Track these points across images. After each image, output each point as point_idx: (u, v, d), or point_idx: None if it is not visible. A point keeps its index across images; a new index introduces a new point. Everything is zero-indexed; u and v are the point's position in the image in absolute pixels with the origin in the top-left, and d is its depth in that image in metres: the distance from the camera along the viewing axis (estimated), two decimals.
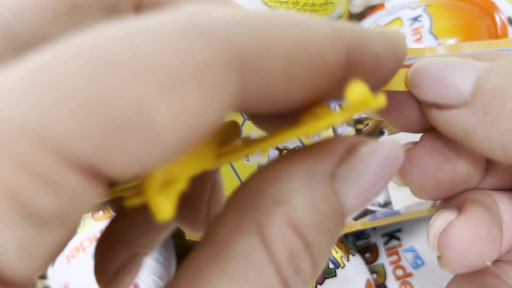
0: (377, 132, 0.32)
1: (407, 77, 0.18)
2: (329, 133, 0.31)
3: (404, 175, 0.19)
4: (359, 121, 0.31)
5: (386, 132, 0.32)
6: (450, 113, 0.17)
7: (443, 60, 0.17)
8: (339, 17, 0.38)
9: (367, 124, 0.31)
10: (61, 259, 0.36)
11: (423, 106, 0.18)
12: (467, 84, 0.17)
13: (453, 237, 0.18)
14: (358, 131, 0.31)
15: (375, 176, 0.14)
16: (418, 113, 0.18)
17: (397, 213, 0.33)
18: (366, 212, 0.32)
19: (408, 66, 0.18)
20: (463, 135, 0.17)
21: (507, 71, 0.16)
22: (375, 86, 0.15)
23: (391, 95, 0.18)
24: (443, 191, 0.19)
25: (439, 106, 0.17)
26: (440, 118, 0.17)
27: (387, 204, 0.33)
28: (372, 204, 0.32)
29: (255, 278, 0.12)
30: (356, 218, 0.32)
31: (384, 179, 0.14)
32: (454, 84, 0.17)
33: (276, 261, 0.12)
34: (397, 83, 0.18)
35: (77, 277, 0.34)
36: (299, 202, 0.13)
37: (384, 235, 0.37)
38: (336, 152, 0.14)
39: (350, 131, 0.31)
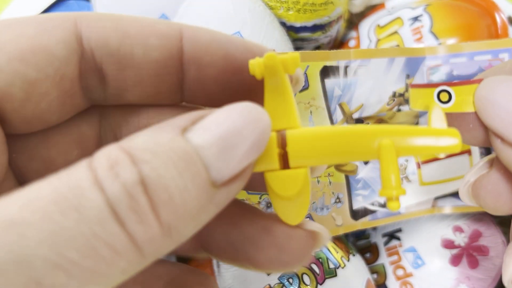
0: None
1: (475, 99, 0.18)
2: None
3: (478, 199, 0.20)
4: (359, 121, 0.31)
5: None
6: None
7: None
8: (340, 17, 0.38)
9: (368, 124, 0.31)
10: None
11: (489, 131, 0.18)
12: None
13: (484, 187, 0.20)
14: None
15: (223, 121, 0.15)
16: (486, 133, 0.19)
17: (397, 213, 0.33)
18: (366, 212, 0.32)
19: (478, 81, 0.18)
20: None
21: None
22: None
23: (459, 116, 0.19)
24: None
25: (503, 140, 0.17)
26: (504, 152, 0.17)
27: None
28: (372, 204, 0.32)
29: (65, 175, 0.13)
30: (356, 218, 0.32)
31: (235, 125, 0.15)
32: None
33: (92, 166, 0.13)
34: (466, 103, 0.18)
35: None
36: (138, 138, 0.14)
37: (384, 235, 0.37)
38: (190, 115, 0.16)
39: None
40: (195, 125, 0.15)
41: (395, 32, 0.37)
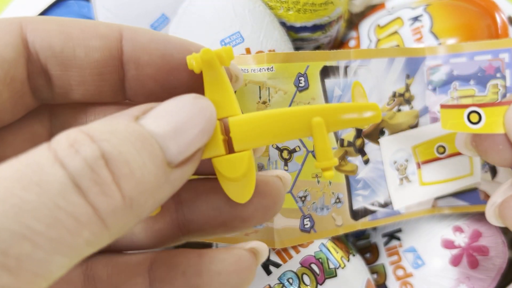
0: (378, 132, 0.32)
1: (505, 120, 0.18)
2: None
3: (506, 220, 0.20)
4: None
5: (386, 132, 0.32)
6: None
7: None
8: (340, 17, 0.38)
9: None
10: None
11: None
12: None
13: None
14: (359, 131, 0.31)
15: (174, 109, 0.17)
16: None
17: (397, 213, 0.33)
18: (366, 212, 0.32)
19: (508, 103, 0.18)
20: None
21: None
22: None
23: (489, 137, 0.19)
24: None
25: None
26: None
27: (387, 204, 0.33)
28: (372, 204, 0.32)
29: (24, 156, 0.14)
30: (356, 219, 0.32)
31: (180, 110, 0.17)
32: None
33: (52, 146, 0.14)
34: (496, 125, 0.18)
35: None
36: (95, 124, 0.15)
37: (384, 235, 0.37)
38: (140, 106, 0.17)
39: (350, 131, 0.31)
40: (147, 114, 0.17)
41: (395, 32, 0.37)
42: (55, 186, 0.13)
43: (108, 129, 0.15)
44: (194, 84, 0.20)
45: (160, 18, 0.38)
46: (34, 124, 0.21)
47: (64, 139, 0.14)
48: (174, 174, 0.16)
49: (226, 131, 0.19)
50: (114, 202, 0.14)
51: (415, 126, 0.32)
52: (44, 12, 0.41)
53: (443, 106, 0.19)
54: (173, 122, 0.16)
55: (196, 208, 0.22)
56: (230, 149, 0.20)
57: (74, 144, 0.14)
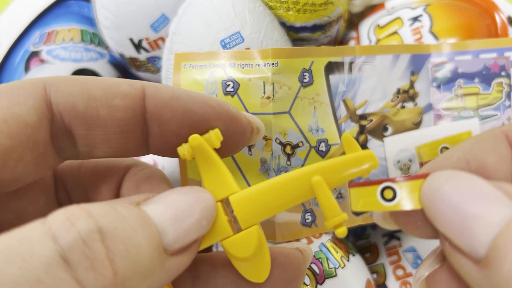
0: (381, 128, 0.32)
1: (421, 196, 0.17)
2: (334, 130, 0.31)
3: None
4: (363, 117, 0.31)
5: (389, 129, 0.32)
6: (462, 260, 0.16)
7: (465, 187, 0.15)
8: (339, 17, 0.38)
9: (371, 120, 0.31)
10: None
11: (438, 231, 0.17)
12: (486, 237, 0.14)
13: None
14: (362, 127, 0.31)
15: (175, 198, 0.17)
16: (436, 230, 0.17)
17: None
18: None
19: (423, 176, 0.17)
20: (471, 287, 0.16)
21: None
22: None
23: (406, 212, 0.18)
24: None
25: (451, 244, 0.16)
26: (452, 256, 0.16)
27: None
28: None
29: (17, 230, 0.13)
30: (357, 214, 0.32)
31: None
32: (472, 229, 0.15)
33: (47, 221, 0.14)
34: (412, 200, 0.17)
35: None
36: (95, 204, 0.15)
37: (384, 235, 0.37)
38: (141, 195, 0.18)
39: (354, 127, 0.31)
40: (148, 200, 0.17)
41: (395, 32, 0.37)
42: (41, 260, 0.13)
43: (107, 208, 0.15)
44: None
45: (160, 18, 0.38)
46: (46, 175, 0.21)
47: (61, 213, 0.14)
48: (169, 262, 0.16)
49: (229, 210, 0.20)
50: (104, 280, 0.13)
51: (418, 123, 0.32)
52: (44, 12, 0.41)
53: (351, 186, 0.18)
54: (172, 209, 0.17)
55: (213, 283, 0.21)
56: (237, 228, 0.19)
57: (70, 217, 0.14)
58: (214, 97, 0.21)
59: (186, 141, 0.20)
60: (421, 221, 0.18)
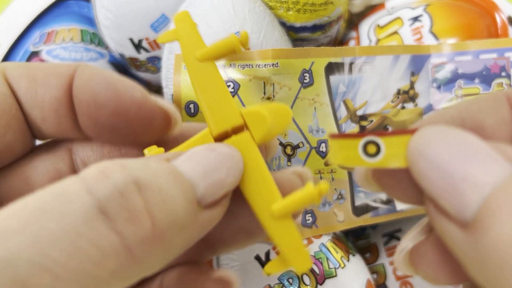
0: (381, 129, 0.32)
1: (408, 153, 0.15)
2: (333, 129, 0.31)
3: (417, 269, 0.17)
4: (363, 117, 0.31)
5: (390, 129, 0.32)
6: (447, 225, 0.14)
7: (457, 144, 0.14)
8: (339, 17, 0.38)
9: (371, 121, 0.31)
10: None
11: (424, 193, 0.16)
12: (476, 199, 0.13)
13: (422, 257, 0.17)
14: (362, 128, 0.31)
15: (204, 154, 0.17)
16: (423, 193, 0.16)
17: (399, 210, 0.33)
18: (368, 209, 0.32)
19: (412, 132, 0.15)
20: (456, 255, 0.15)
21: None
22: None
23: (390, 172, 0.16)
24: (458, 279, 0.17)
25: (436, 206, 0.15)
26: (437, 221, 0.15)
27: (389, 201, 0.33)
28: (375, 201, 0.32)
29: (51, 186, 0.13)
30: (358, 215, 0.32)
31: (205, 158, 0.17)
32: (460, 189, 0.14)
33: (81, 175, 0.14)
34: (397, 158, 0.15)
35: None
36: (127, 160, 0.15)
37: (384, 235, 0.37)
38: (170, 152, 0.18)
39: (354, 127, 0.31)
40: (178, 157, 0.17)
41: (395, 32, 0.37)
42: (79, 213, 0.13)
43: (141, 162, 0.15)
44: (150, 128, 0.21)
45: (160, 18, 0.38)
46: (58, 163, 0.21)
47: (94, 168, 0.14)
48: (203, 215, 0.16)
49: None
50: (144, 231, 0.13)
51: None
52: (44, 12, 0.41)
53: (332, 136, 0.16)
54: (203, 164, 0.16)
55: (225, 226, 0.21)
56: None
57: (104, 170, 0.14)
58: (124, 79, 0.21)
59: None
60: (406, 182, 0.16)
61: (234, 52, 0.19)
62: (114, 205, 0.13)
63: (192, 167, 0.16)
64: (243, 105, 0.28)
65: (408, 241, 0.18)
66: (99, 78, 0.20)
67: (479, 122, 0.16)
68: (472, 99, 0.17)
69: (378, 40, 0.39)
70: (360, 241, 0.39)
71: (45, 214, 0.12)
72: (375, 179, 0.17)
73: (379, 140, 0.15)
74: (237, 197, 0.20)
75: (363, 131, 0.31)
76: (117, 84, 0.20)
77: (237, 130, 0.19)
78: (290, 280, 0.30)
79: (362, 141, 0.15)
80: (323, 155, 0.30)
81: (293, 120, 0.29)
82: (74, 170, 0.21)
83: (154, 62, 0.41)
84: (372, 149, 0.15)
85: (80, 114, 0.20)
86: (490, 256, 0.12)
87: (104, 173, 0.14)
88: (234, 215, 0.20)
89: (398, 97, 0.32)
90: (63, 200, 0.13)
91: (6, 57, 0.39)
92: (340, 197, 0.31)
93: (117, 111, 0.20)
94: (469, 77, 0.31)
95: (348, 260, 0.33)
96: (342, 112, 0.30)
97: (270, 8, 0.35)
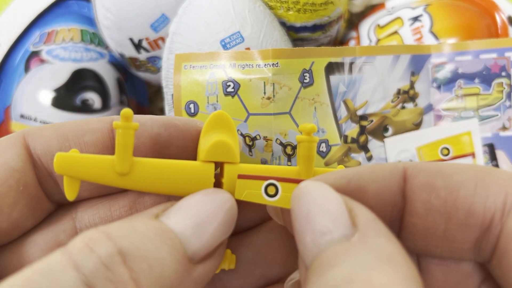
0: (381, 129, 0.32)
1: (291, 200, 0.17)
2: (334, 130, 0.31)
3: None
4: (363, 117, 0.31)
5: (390, 129, 0.32)
6: (302, 265, 0.16)
7: (316, 199, 0.16)
8: (340, 16, 0.38)
9: (372, 121, 0.31)
10: None
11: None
12: (313, 250, 0.15)
13: None
14: (362, 128, 0.31)
15: (194, 204, 0.17)
16: None
17: None
18: None
19: (298, 181, 0.18)
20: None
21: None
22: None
23: (286, 211, 0.19)
24: None
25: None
26: (300, 264, 0.16)
27: None
28: None
29: (38, 263, 0.13)
30: None
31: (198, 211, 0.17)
32: (306, 237, 0.15)
33: (66, 249, 0.14)
34: (287, 200, 0.18)
35: None
36: (113, 224, 0.15)
37: None
38: (159, 206, 0.17)
39: (354, 127, 0.31)
40: (167, 211, 0.17)
41: (395, 32, 0.37)
42: None
43: (126, 227, 0.15)
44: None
45: (160, 18, 0.38)
46: (58, 231, 0.21)
47: (79, 240, 0.14)
48: (197, 270, 0.16)
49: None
50: None
51: (419, 123, 0.32)
52: (44, 12, 0.41)
53: (240, 177, 0.18)
54: (193, 217, 0.16)
55: None
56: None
57: (89, 243, 0.14)
58: (178, 117, 0.21)
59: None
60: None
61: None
62: (100, 280, 0.13)
63: (182, 222, 0.16)
64: (243, 105, 0.28)
65: (296, 273, 0.20)
66: (141, 127, 0.20)
67: (362, 185, 0.17)
68: (373, 165, 0.18)
69: (378, 40, 0.39)
70: None
71: None
72: (281, 215, 0.19)
73: (278, 184, 0.18)
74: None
75: (363, 131, 0.31)
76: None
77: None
78: None
79: (264, 184, 0.18)
80: (323, 155, 0.30)
81: (293, 120, 0.29)
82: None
83: (154, 62, 0.41)
84: (271, 190, 0.18)
85: None
86: None
87: (89, 245, 0.14)
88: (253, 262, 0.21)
89: (398, 97, 0.32)
90: (50, 279, 0.13)
91: (6, 57, 0.39)
92: None
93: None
94: (469, 77, 0.31)
95: None
96: (342, 112, 0.30)
97: (270, 8, 0.35)
